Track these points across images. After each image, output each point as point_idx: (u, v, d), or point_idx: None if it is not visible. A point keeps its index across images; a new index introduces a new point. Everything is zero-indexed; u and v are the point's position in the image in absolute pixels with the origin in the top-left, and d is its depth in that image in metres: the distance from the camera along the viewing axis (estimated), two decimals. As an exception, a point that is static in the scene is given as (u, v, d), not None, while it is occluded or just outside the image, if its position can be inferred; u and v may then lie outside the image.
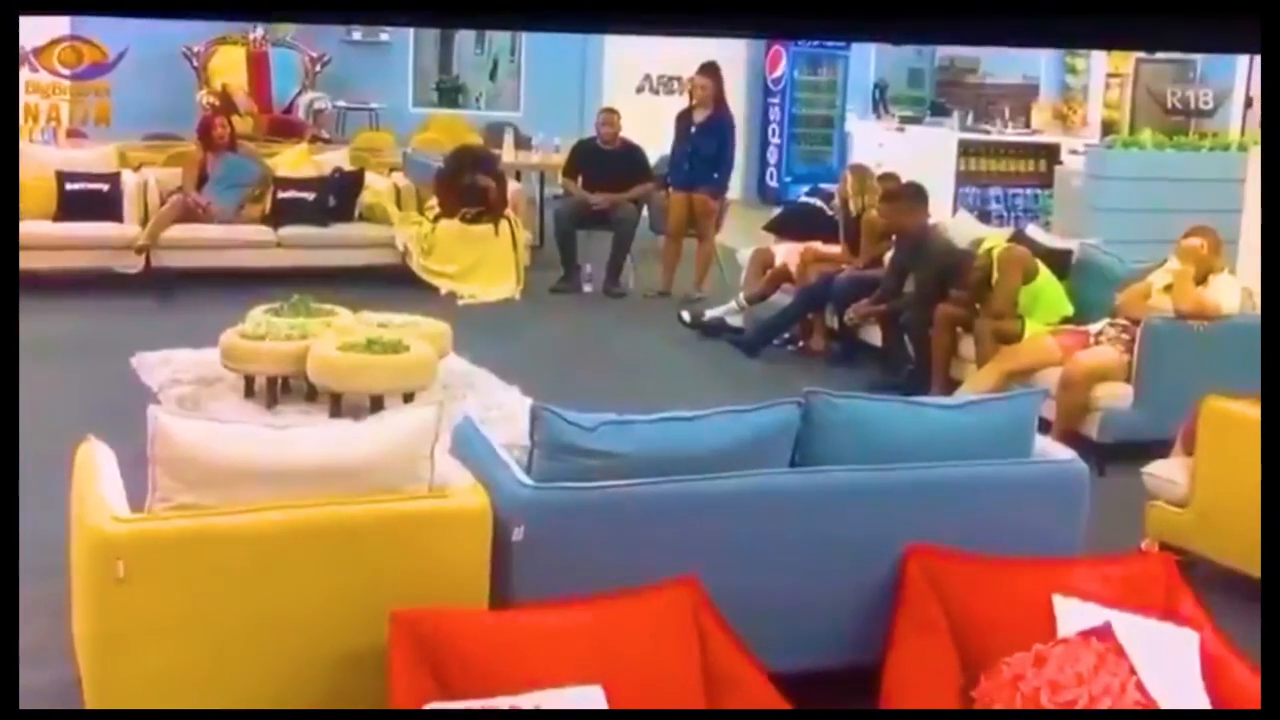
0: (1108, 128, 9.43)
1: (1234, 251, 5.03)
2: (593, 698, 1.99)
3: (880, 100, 10.36)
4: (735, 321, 5.79)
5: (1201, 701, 2.17)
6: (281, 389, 4.39)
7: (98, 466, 2.29)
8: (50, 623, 2.40)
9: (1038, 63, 10.43)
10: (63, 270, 6.03)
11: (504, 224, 6.57)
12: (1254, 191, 5.43)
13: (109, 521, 2.09)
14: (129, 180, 6.42)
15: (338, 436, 2.45)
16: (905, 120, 9.59)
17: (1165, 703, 2.11)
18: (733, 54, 10.42)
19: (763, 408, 2.49)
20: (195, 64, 8.82)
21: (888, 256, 5.25)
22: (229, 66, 8.93)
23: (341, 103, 9.23)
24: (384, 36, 9.60)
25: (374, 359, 4.15)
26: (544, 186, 8.05)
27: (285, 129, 8.60)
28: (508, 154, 7.74)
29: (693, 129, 6.43)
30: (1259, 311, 4.17)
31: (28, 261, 5.55)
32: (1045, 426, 3.53)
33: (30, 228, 5.94)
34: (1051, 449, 2.78)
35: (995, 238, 5.12)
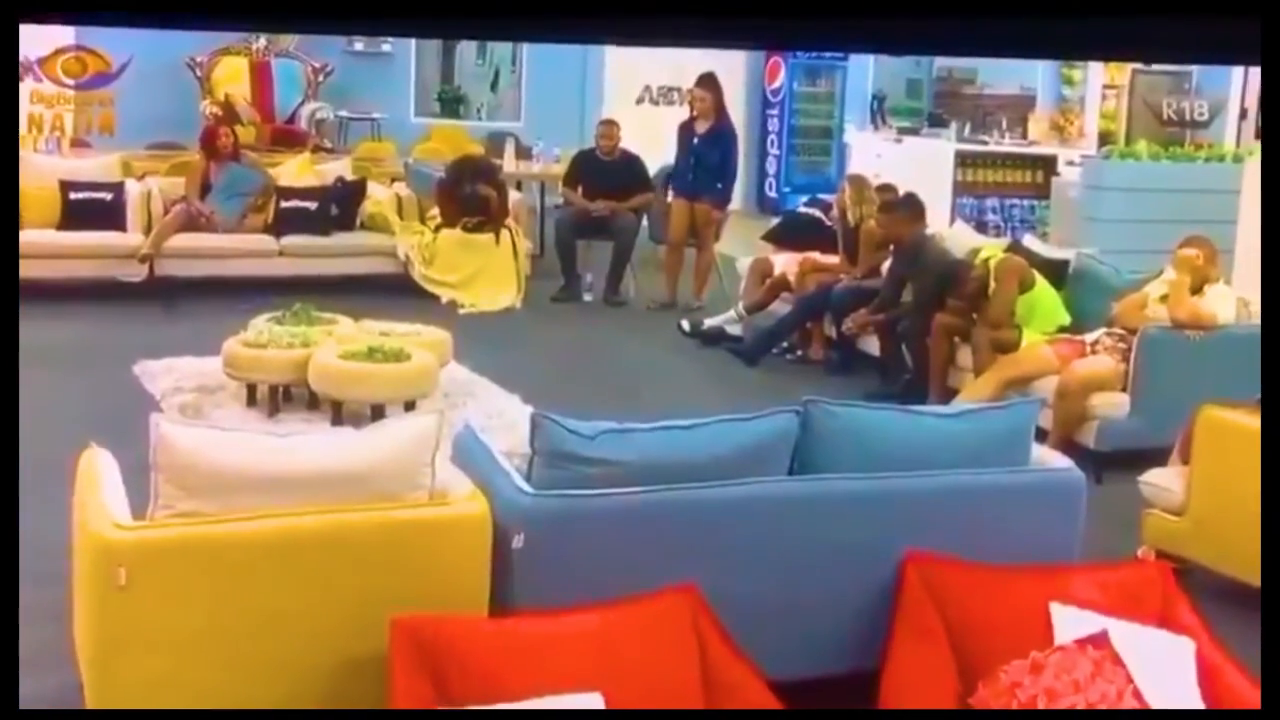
0: (1104, 139, 9.49)
1: (1229, 262, 5.06)
2: (592, 705, 2.00)
3: (878, 111, 10.42)
4: (734, 330, 5.81)
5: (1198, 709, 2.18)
6: (283, 397, 4.40)
7: (100, 474, 2.30)
8: (52, 629, 2.41)
9: (1035, 74, 10.49)
10: (66, 279, 6.06)
11: (505, 233, 6.60)
12: (1249, 202, 5.46)
13: (111, 529, 2.10)
14: (132, 189, 6.45)
15: (339, 444, 2.46)
16: (903, 131, 9.63)
17: (1161, 710, 2.12)
18: (732, 65, 10.47)
19: (761, 416, 2.50)
20: (198, 74, 8.87)
21: (885, 266, 5.28)
22: (232, 76, 8.98)
23: (344, 113, 9.28)
24: (386, 47, 9.66)
25: (375, 367, 4.17)
26: (545, 196, 8.08)
27: (288, 139, 8.65)
28: (509, 164, 7.78)
29: (695, 140, 6.45)
30: (1254, 321, 4.22)
31: (32, 270, 5.63)
32: (1042, 435, 3.54)
33: (34, 236, 5.98)
34: (1049, 457, 2.80)
35: (992, 248, 5.14)
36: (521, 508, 2.27)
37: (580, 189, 6.85)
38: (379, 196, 6.90)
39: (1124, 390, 4.18)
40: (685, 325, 5.98)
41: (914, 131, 9.63)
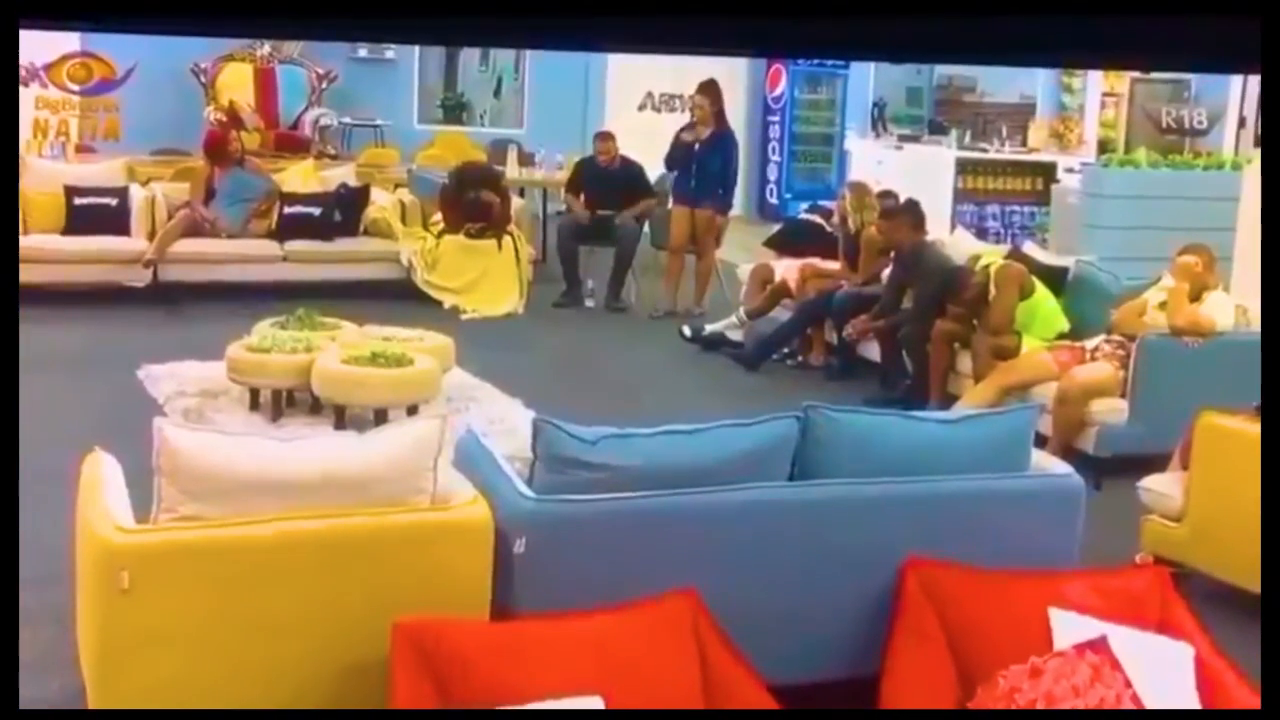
0: (1103, 146, 9.50)
1: (1228, 269, 5.07)
2: (593, 709, 2.00)
3: (879, 118, 10.44)
4: (735, 336, 5.82)
5: (1196, 714, 2.18)
6: (286, 402, 4.42)
7: (103, 477, 2.31)
8: (54, 633, 2.42)
9: (1035, 82, 10.51)
10: (71, 283, 6.08)
11: (507, 239, 6.62)
12: (1248, 210, 5.47)
13: (114, 532, 2.11)
14: (137, 195, 6.47)
15: (341, 449, 2.47)
16: (904, 138, 9.66)
17: (1159, 715, 2.13)
18: (733, 72, 10.51)
19: (762, 421, 2.51)
20: (203, 80, 8.91)
21: (886, 273, 5.29)
22: (236, 83, 9.01)
23: (347, 119, 9.31)
24: (389, 54, 9.69)
25: (378, 372, 4.18)
26: (547, 202, 8.10)
27: (291, 145, 8.68)
28: (511, 170, 7.80)
29: (696, 146, 6.46)
30: (1253, 328, 4.23)
31: (36, 274, 5.66)
32: (1042, 441, 3.55)
33: (39, 241, 6.01)
34: (1048, 463, 2.81)
35: (992, 254, 5.16)
36: (523, 512, 2.28)
37: (582, 196, 6.87)
38: (382, 202, 6.92)
39: (1123, 397, 4.19)
40: (686, 331, 6.00)
41: (914, 139, 9.66)
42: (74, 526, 2.33)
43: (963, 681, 2.25)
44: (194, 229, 6.37)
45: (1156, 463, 3.46)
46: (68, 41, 7.36)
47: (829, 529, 2.45)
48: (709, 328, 5.93)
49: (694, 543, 2.37)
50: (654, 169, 7.08)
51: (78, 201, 6.34)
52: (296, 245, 6.50)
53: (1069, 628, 2.25)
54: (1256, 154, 6.83)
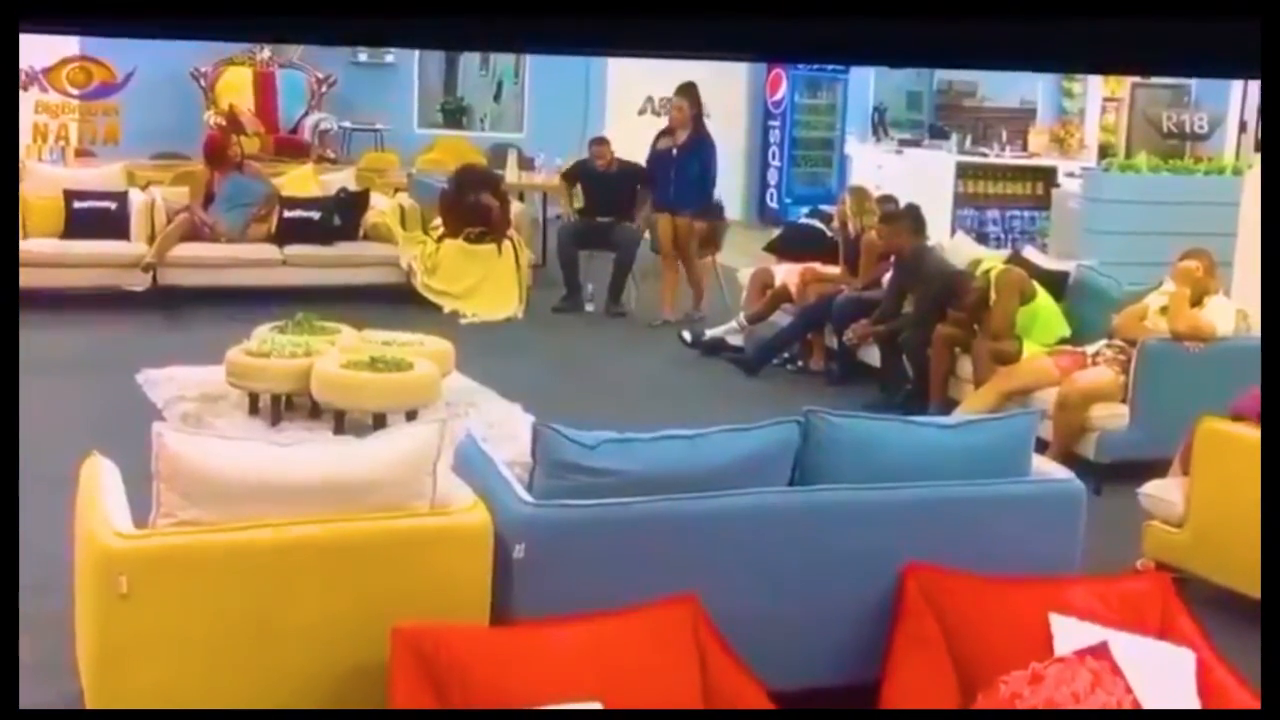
0: (1104, 151, 9.52)
1: (1229, 274, 5.07)
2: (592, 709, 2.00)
3: (879, 123, 10.45)
4: (735, 341, 5.82)
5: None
6: (285, 406, 4.42)
7: (102, 482, 2.31)
8: (53, 638, 2.41)
9: (1035, 87, 10.53)
10: (70, 287, 6.08)
11: (507, 244, 6.62)
12: (1249, 215, 5.47)
13: (113, 537, 2.11)
14: (136, 199, 6.48)
15: (341, 454, 2.47)
16: (904, 143, 9.66)
17: (1161, 721, 2.12)
18: (733, 77, 10.53)
19: (762, 426, 2.51)
20: (203, 84, 8.92)
21: (886, 278, 5.29)
22: (236, 87, 9.02)
23: (347, 123, 9.32)
24: (389, 58, 9.70)
25: (377, 377, 4.18)
26: (547, 207, 8.10)
27: (291, 149, 8.68)
28: (511, 175, 7.81)
29: (674, 151, 6.40)
30: (1253, 333, 4.23)
31: (35, 279, 5.66)
32: (1042, 446, 3.55)
33: (38, 245, 6.01)
34: (1048, 469, 2.80)
35: (993, 259, 5.16)
36: (523, 517, 2.28)
37: (578, 191, 6.87)
38: (382, 207, 6.93)
39: (1124, 402, 4.18)
40: (686, 336, 5.99)
41: (915, 143, 9.66)
42: (72, 532, 2.32)
43: (963, 687, 2.24)
44: (193, 233, 6.37)
45: (1157, 468, 3.46)
46: (67, 46, 7.36)
47: (829, 534, 2.45)
48: (709, 333, 5.92)
49: (694, 548, 2.37)
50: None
51: (77, 206, 6.34)
52: (296, 249, 6.51)
53: (1070, 633, 2.25)
54: (1257, 159, 6.83)
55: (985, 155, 9.03)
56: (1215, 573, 3.10)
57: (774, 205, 10.60)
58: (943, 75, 10.85)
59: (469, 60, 10.23)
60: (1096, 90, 10.22)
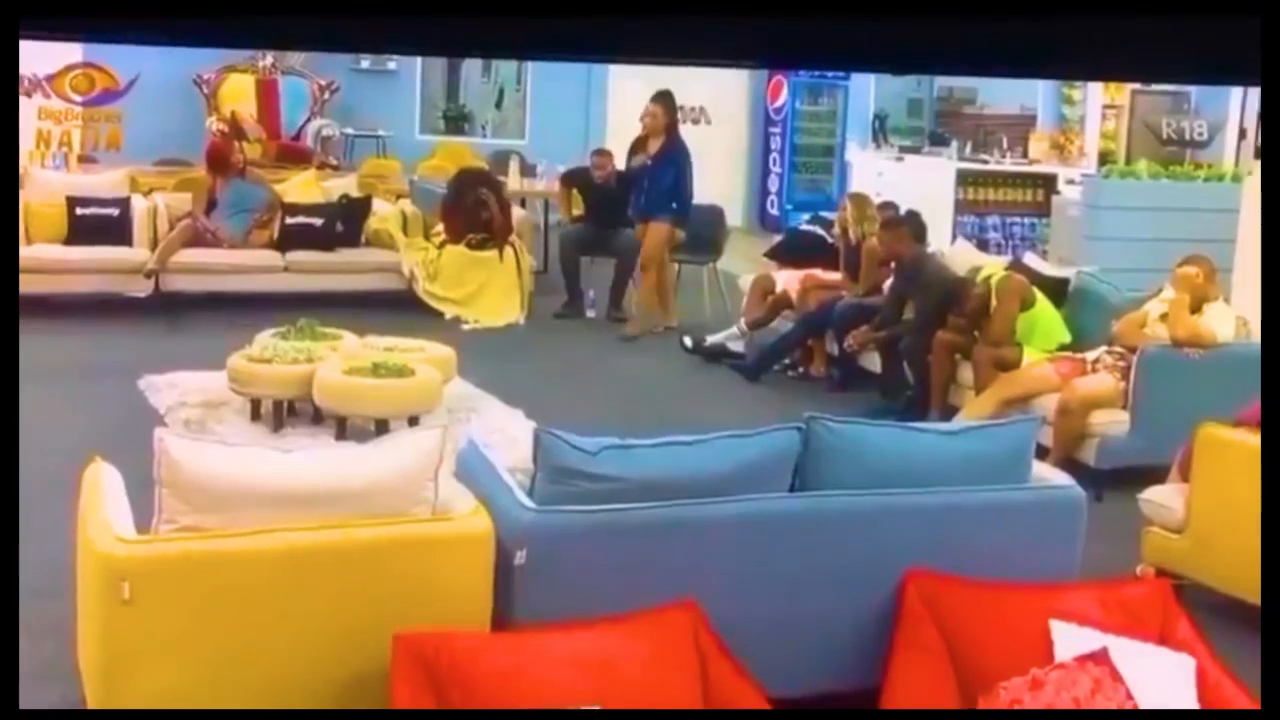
0: (1104, 158, 9.53)
1: (1228, 280, 5.07)
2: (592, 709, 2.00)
3: (880, 130, 10.47)
4: (736, 347, 5.82)
5: (1198, 727, 2.18)
6: (287, 412, 4.42)
7: (104, 488, 2.31)
8: (56, 644, 2.42)
9: (1035, 94, 10.56)
10: (72, 294, 6.10)
11: (508, 250, 6.63)
12: (1248, 221, 5.48)
13: (115, 543, 2.11)
14: (139, 205, 6.49)
15: (343, 459, 2.47)
16: (904, 150, 9.68)
17: (1162, 728, 2.12)
18: (735, 84, 10.55)
19: (763, 432, 2.51)
20: (205, 91, 8.95)
21: (887, 284, 5.30)
22: (238, 93, 9.05)
23: (349, 130, 9.35)
24: (391, 65, 9.73)
25: (379, 383, 4.18)
26: (548, 213, 8.12)
27: (293, 156, 8.70)
28: (513, 181, 7.82)
29: (648, 160, 6.29)
30: (1253, 340, 4.23)
31: (38, 285, 5.67)
32: (1043, 453, 3.55)
33: (41, 252, 6.02)
34: (1049, 475, 2.80)
35: (993, 266, 5.16)
36: (524, 523, 2.28)
37: (581, 205, 6.89)
38: (384, 213, 6.94)
39: (1124, 408, 4.19)
40: (687, 342, 6.00)
41: (915, 150, 9.68)
42: (75, 537, 2.33)
43: (963, 693, 2.24)
44: (196, 239, 6.39)
45: (1158, 474, 3.46)
46: (70, 52, 7.39)
47: (830, 540, 2.45)
48: (710, 339, 5.93)
49: (695, 554, 2.37)
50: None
51: (80, 212, 6.36)
52: (298, 256, 6.52)
53: (1070, 639, 2.25)
54: (1257, 165, 6.84)
55: (985, 162, 9.05)
56: (1215, 579, 3.09)
57: (775, 212, 10.62)
58: (943, 82, 10.87)
59: (471, 67, 10.26)
60: (1096, 97, 10.24)
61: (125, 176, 6.88)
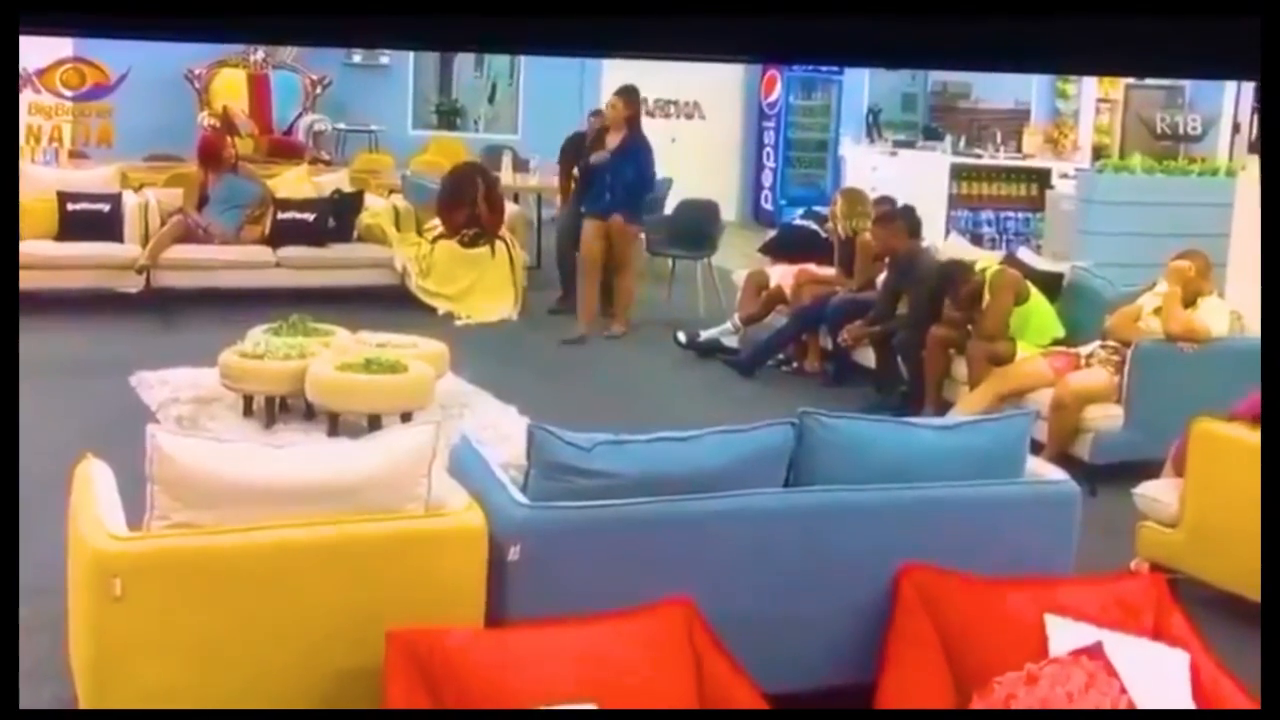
0: (1098, 152, 9.54)
1: (1223, 275, 5.08)
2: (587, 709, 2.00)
3: (874, 124, 10.47)
4: (730, 342, 5.82)
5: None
6: (280, 408, 4.40)
7: (96, 485, 2.30)
8: (46, 641, 2.40)
9: (1029, 88, 10.56)
10: (63, 290, 6.06)
11: (501, 245, 6.61)
12: (1242, 216, 5.49)
13: (106, 540, 2.10)
14: (130, 201, 6.46)
15: (335, 456, 2.47)
16: (898, 144, 9.68)
17: (1156, 722, 2.12)
18: (729, 78, 10.54)
19: (757, 428, 2.51)
20: (197, 86, 8.90)
21: (881, 279, 5.30)
22: (230, 88, 9.01)
23: (341, 125, 9.31)
24: (384, 60, 9.70)
25: (372, 379, 4.17)
26: (541, 208, 8.10)
27: (285, 151, 8.67)
28: (506, 176, 7.79)
29: (608, 154, 5.97)
30: (1247, 334, 4.24)
31: (29, 281, 5.62)
32: (1037, 448, 3.55)
33: (31, 247, 5.98)
34: (1043, 470, 2.81)
35: (987, 260, 5.17)
36: (517, 520, 2.28)
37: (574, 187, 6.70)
38: (376, 208, 6.92)
39: (1118, 403, 4.20)
40: (681, 337, 5.99)
41: (909, 145, 9.68)
42: (66, 534, 2.32)
43: (958, 688, 2.25)
44: (187, 235, 6.36)
45: (1152, 469, 3.47)
46: (61, 47, 7.34)
47: (824, 536, 2.45)
48: (704, 334, 5.92)
49: (689, 550, 2.37)
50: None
51: (70, 207, 6.32)
52: (290, 251, 6.49)
53: (1065, 634, 2.25)
54: (1251, 160, 6.86)
55: (979, 157, 9.05)
56: (1209, 573, 3.10)
57: (768, 207, 10.61)
58: (937, 77, 10.88)
59: (463, 62, 10.23)
60: (1091, 91, 10.25)
61: (116, 172, 6.84)
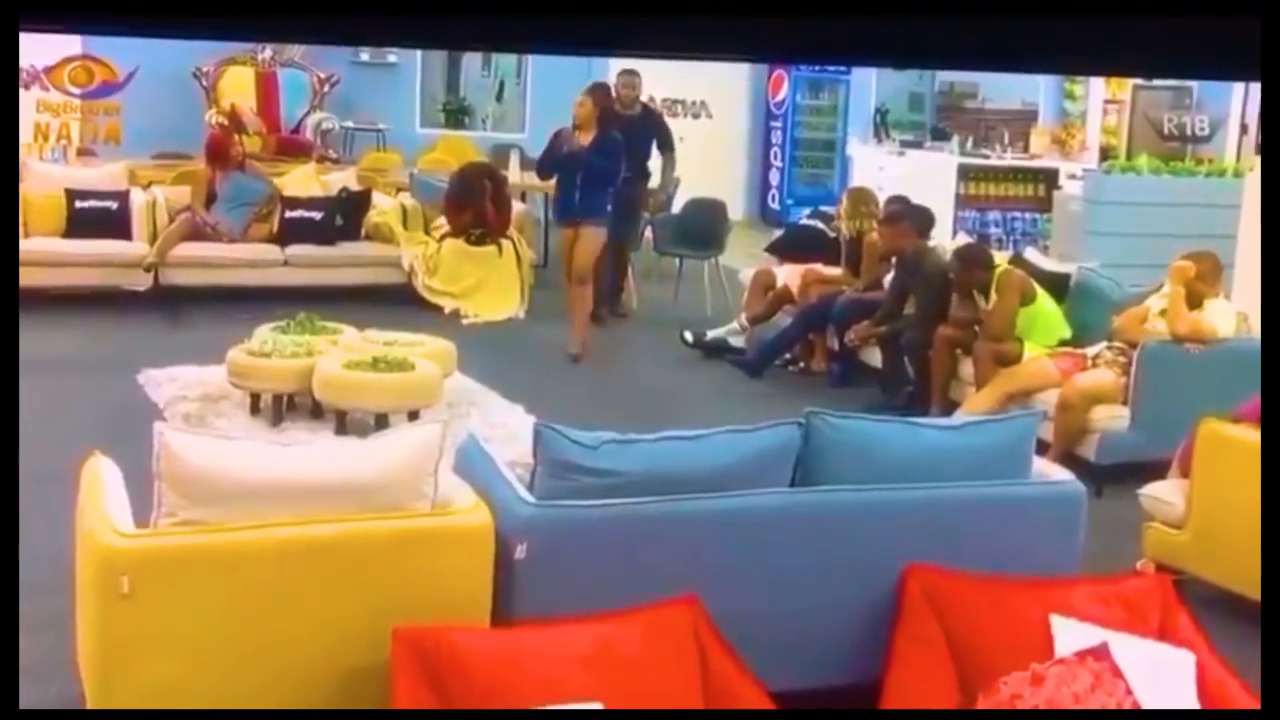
0: (1105, 153, 9.51)
1: (1230, 276, 5.07)
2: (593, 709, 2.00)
3: (881, 124, 10.45)
4: (737, 342, 5.82)
5: (1198, 722, 2.18)
6: (287, 406, 4.42)
7: (103, 482, 2.31)
8: (53, 638, 2.41)
9: (1036, 89, 10.54)
10: (71, 287, 6.08)
11: (508, 244, 6.62)
12: (1249, 217, 5.47)
13: (114, 537, 2.11)
14: (138, 198, 6.48)
15: (342, 454, 2.47)
16: (905, 144, 9.67)
17: (1161, 723, 2.12)
18: (736, 78, 10.53)
19: (764, 428, 2.51)
20: (204, 84, 8.92)
21: (888, 279, 5.29)
22: (238, 86, 9.03)
23: (349, 123, 9.33)
24: (392, 58, 9.71)
25: (379, 377, 4.18)
26: (548, 207, 8.10)
27: (293, 149, 8.69)
28: (513, 175, 7.79)
29: (577, 156, 5.51)
30: (1254, 335, 4.22)
31: (37, 278, 5.66)
32: (1043, 448, 3.55)
33: (39, 245, 6.01)
34: (1049, 470, 2.80)
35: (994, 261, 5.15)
36: (524, 518, 2.28)
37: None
38: (384, 207, 6.93)
39: (1124, 404, 4.18)
40: (688, 337, 5.99)
41: (916, 145, 9.67)
42: (73, 531, 2.33)
43: (964, 688, 2.24)
44: (195, 233, 6.38)
45: (1158, 470, 3.46)
46: (69, 45, 7.36)
47: (830, 535, 2.45)
48: (711, 334, 5.92)
49: (695, 549, 2.37)
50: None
51: (78, 205, 6.34)
52: (297, 249, 6.51)
53: (1070, 635, 2.25)
54: (1258, 161, 6.82)
55: (987, 157, 9.03)
56: (1215, 574, 3.09)
57: (775, 206, 10.60)
58: (944, 77, 10.85)
59: (471, 60, 10.24)
60: (1098, 92, 10.21)
61: (124, 170, 6.87)
